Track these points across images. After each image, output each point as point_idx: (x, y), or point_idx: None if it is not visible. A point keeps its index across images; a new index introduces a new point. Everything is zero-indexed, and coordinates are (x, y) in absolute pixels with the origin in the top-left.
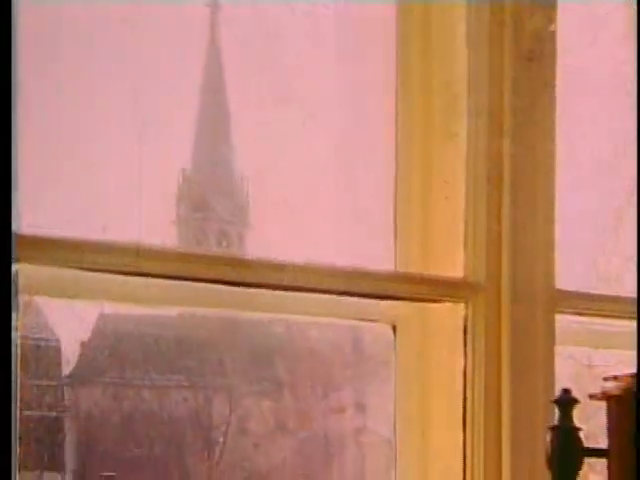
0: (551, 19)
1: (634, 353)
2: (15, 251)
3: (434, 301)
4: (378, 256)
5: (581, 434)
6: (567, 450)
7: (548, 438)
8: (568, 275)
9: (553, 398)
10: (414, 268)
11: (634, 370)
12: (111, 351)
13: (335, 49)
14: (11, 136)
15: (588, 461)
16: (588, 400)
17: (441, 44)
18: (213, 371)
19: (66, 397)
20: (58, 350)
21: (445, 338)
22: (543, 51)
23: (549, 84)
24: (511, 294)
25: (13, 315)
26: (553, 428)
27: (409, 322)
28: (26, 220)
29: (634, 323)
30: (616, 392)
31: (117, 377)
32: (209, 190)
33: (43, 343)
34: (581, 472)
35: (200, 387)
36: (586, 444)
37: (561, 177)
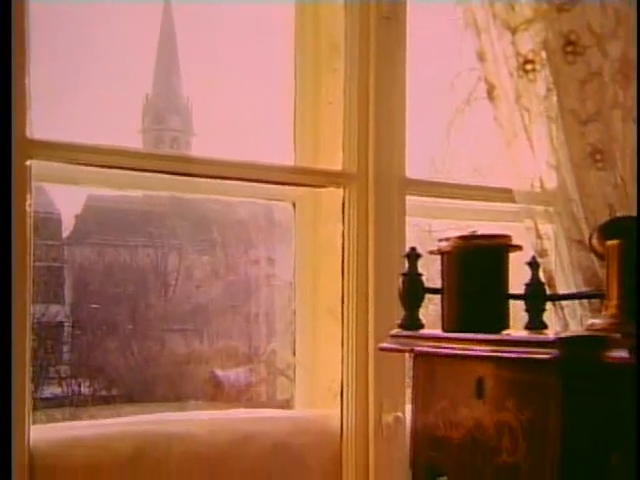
0: None
1: (464, 223)
2: (28, 151)
3: (322, 186)
4: (283, 154)
5: (423, 278)
6: (413, 289)
7: (400, 281)
8: (415, 167)
9: (403, 253)
10: (308, 163)
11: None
12: (97, 221)
13: (256, 16)
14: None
15: (428, 296)
16: (428, 255)
17: (326, 8)
18: (168, 235)
19: (65, 253)
20: (59, 220)
21: (329, 213)
22: (397, 13)
23: (401, 36)
24: (375, 181)
25: (28, 196)
26: (404, 274)
27: (305, 201)
28: (36, 127)
29: (461, 201)
30: (447, 249)
31: (100, 239)
32: (165, 109)
33: (49, 215)
34: (423, 303)
35: (159, 246)
36: (426, 285)
37: (410, 97)
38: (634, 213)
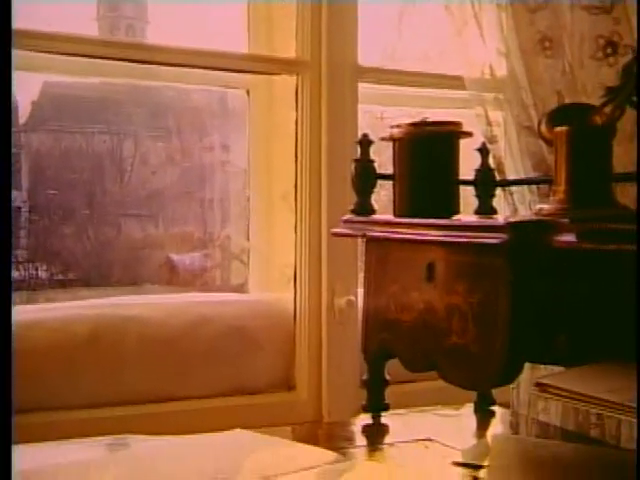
0: None
1: (415, 110)
2: None
3: (275, 74)
4: (238, 42)
5: (375, 164)
6: (365, 175)
7: (353, 167)
8: (367, 55)
9: (356, 140)
10: (262, 51)
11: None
12: (53, 108)
13: None
14: None
15: (380, 182)
16: (380, 141)
17: None
18: (124, 122)
19: (22, 140)
20: (16, 108)
21: (283, 100)
22: None
23: None
24: (328, 69)
25: None
26: (356, 160)
27: (258, 89)
28: None
29: (413, 88)
30: (399, 136)
31: (57, 125)
32: None
33: None
34: (375, 189)
35: (115, 133)
36: (378, 171)
37: None
38: (582, 100)
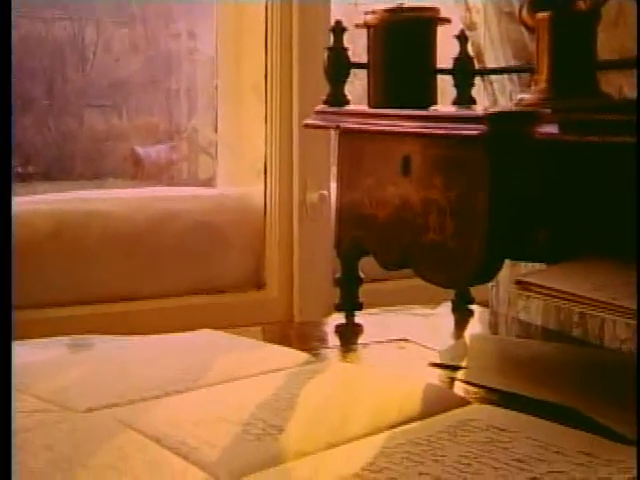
0: None
1: None
2: None
3: None
4: None
5: (349, 53)
6: (338, 64)
7: (325, 56)
8: None
9: (329, 27)
10: None
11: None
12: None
13: None
14: None
15: (354, 72)
16: (354, 29)
17: None
18: (85, 7)
19: None
20: None
21: (254, 17)
22: None
23: None
24: None
25: None
26: (329, 48)
27: None
28: None
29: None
30: (373, 22)
31: (14, 11)
32: None
33: None
34: (349, 79)
35: (75, 19)
36: (353, 60)
37: None
38: None
